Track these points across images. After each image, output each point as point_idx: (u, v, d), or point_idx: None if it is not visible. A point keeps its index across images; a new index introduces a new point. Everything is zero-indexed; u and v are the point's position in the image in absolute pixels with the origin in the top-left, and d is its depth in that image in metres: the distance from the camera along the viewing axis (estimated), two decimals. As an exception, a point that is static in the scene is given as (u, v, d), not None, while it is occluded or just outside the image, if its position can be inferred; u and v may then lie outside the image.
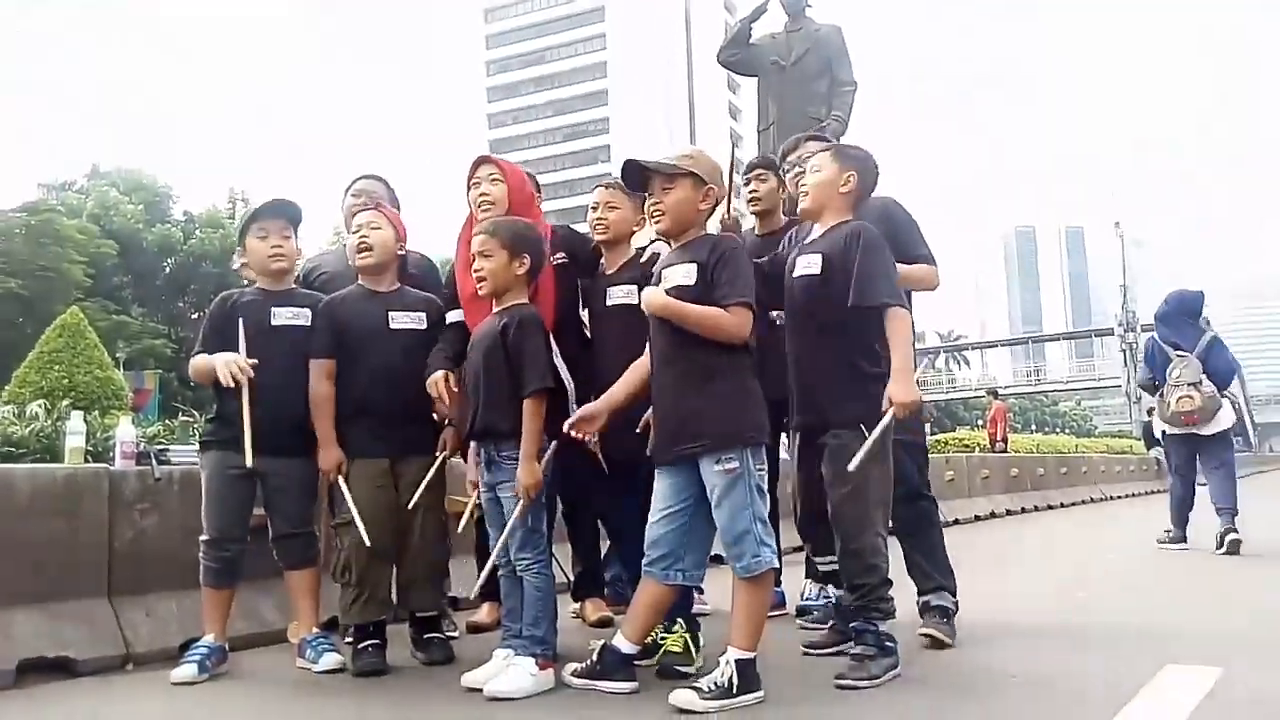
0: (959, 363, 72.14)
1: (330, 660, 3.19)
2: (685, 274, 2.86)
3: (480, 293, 3.12)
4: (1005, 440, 17.75)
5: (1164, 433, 6.92)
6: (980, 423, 26.41)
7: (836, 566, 3.24)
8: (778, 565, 2.84)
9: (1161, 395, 6.67)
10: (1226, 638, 3.67)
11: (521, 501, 2.96)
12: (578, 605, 4.00)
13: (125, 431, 4.08)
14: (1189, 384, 6.46)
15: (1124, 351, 38.77)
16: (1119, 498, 15.55)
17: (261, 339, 3.29)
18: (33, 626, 3.14)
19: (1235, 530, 6.41)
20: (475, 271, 3.08)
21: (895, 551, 3.27)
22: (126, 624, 3.36)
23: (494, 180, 3.43)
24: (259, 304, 3.36)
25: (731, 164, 3.28)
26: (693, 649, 3.08)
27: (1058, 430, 57.38)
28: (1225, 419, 6.55)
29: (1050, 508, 12.55)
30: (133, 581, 3.44)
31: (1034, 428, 59.06)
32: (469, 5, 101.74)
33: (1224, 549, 6.35)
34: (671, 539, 2.83)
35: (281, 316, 3.34)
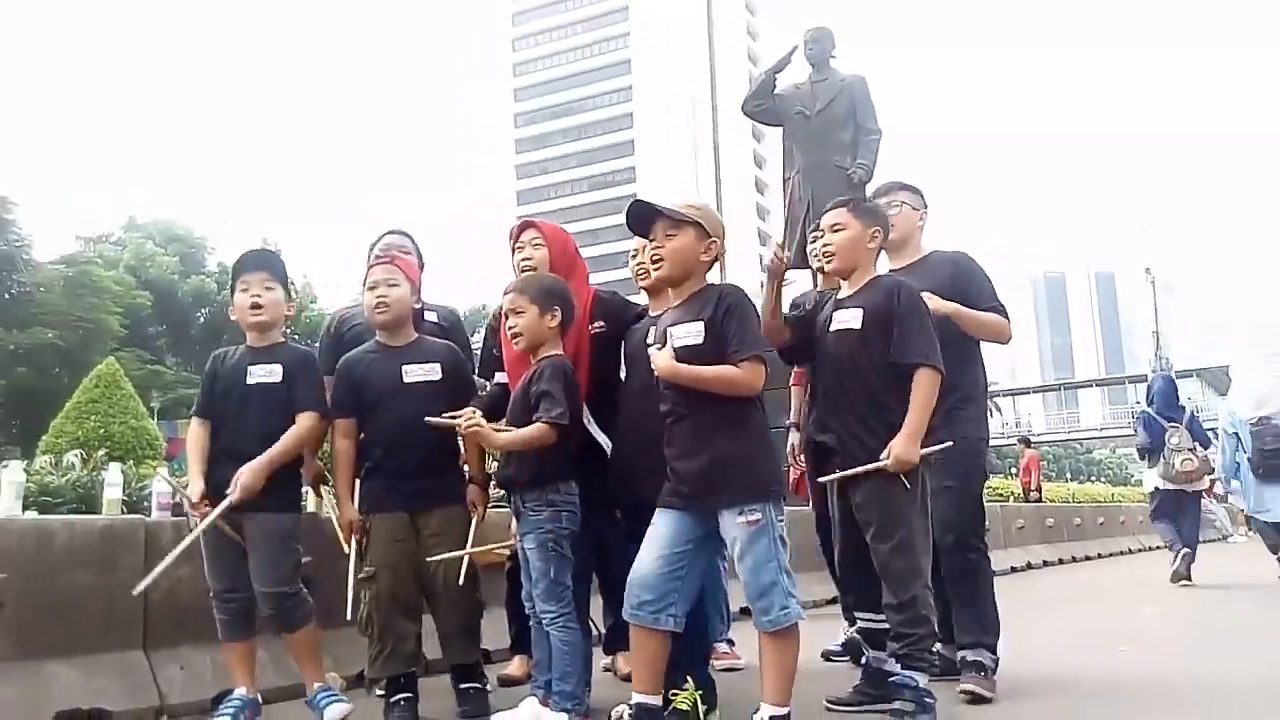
0: (991, 410, 71.17)
1: (336, 711, 3.14)
2: (693, 333, 2.85)
3: (516, 348, 3.16)
4: (1039, 489, 17.50)
5: (1156, 488, 8.42)
6: (1013, 470, 26.03)
7: (877, 625, 3.20)
8: (803, 616, 2.77)
9: (1164, 458, 8.10)
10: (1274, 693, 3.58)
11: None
12: (610, 658, 3.97)
13: (162, 483, 4.10)
14: (1188, 449, 8.01)
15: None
16: (1159, 548, 15.21)
17: (237, 397, 3.27)
18: (69, 678, 3.15)
19: (1189, 562, 8.01)
20: (510, 328, 3.12)
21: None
22: (161, 676, 3.37)
23: (536, 244, 3.45)
24: (240, 362, 3.34)
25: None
26: (701, 709, 2.94)
27: (1093, 479, 56.47)
28: (1206, 480, 8.51)
29: (1088, 559, 12.32)
30: (168, 634, 3.45)
31: (1069, 476, 58.18)
32: (497, 59, 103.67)
33: (1183, 575, 7.97)
34: (664, 583, 2.78)
35: (255, 375, 3.29)
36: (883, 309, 3.10)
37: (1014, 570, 9.98)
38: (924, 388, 3.03)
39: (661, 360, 2.84)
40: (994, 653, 3.53)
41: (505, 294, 3.22)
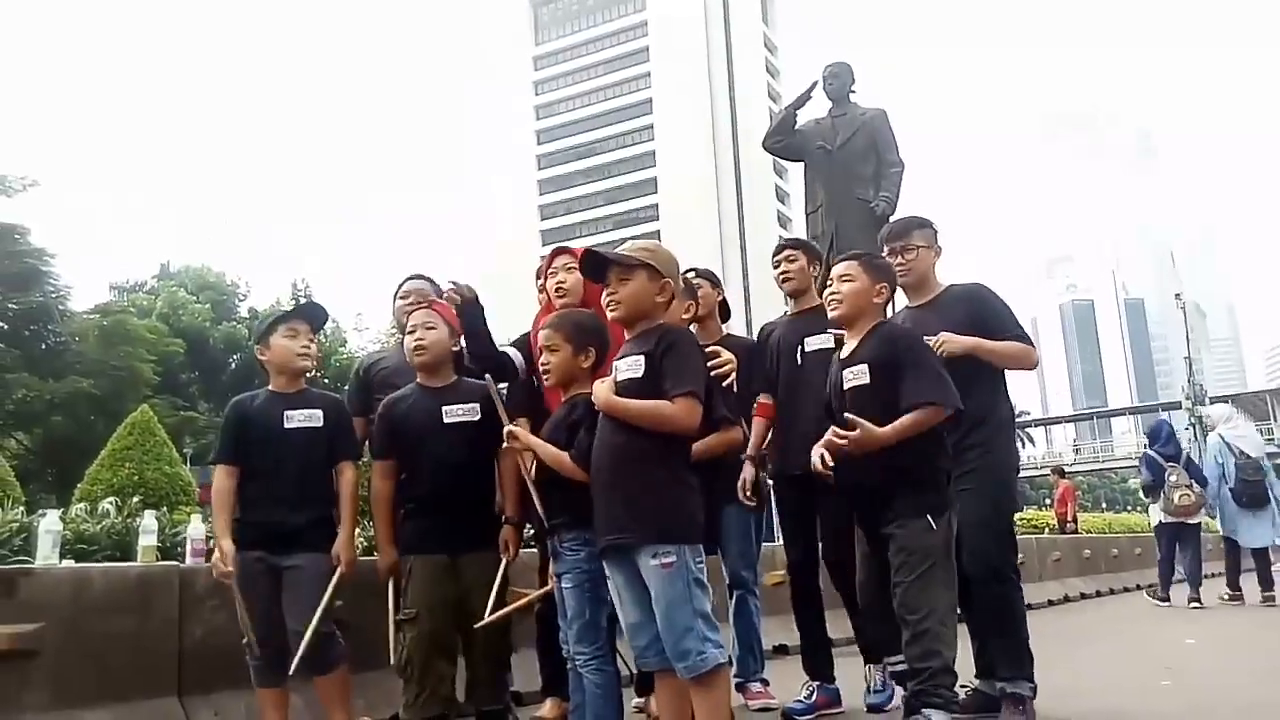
0: (1023, 440, 70.54)
1: None
2: (634, 366, 2.85)
3: (546, 384, 3.19)
4: (1075, 520, 17.23)
5: (1159, 521, 9.34)
6: (1048, 502, 25.69)
7: (906, 666, 3.19)
8: (724, 660, 2.71)
9: (1164, 493, 9.02)
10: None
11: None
12: (642, 699, 3.93)
13: (196, 529, 4.15)
14: (1185, 486, 8.92)
15: (1193, 425, 37.36)
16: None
17: (274, 442, 3.32)
18: (104, 726, 3.15)
19: (1199, 598, 8.96)
20: (542, 365, 3.14)
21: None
22: (196, 723, 3.37)
23: (569, 268, 3.51)
24: (272, 407, 3.39)
25: None
26: None
27: (1129, 508, 55.54)
28: (1202, 513, 9.24)
29: (1126, 590, 12.08)
30: (202, 680, 3.47)
31: (1104, 506, 57.30)
32: (520, 104, 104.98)
33: (1191, 605, 8.86)
34: (650, 623, 2.74)
35: (295, 419, 3.36)
36: (886, 358, 3.20)
37: (1051, 603, 9.81)
38: (917, 416, 3.11)
39: (600, 391, 2.86)
40: (1031, 681, 3.49)
41: (540, 330, 3.27)
